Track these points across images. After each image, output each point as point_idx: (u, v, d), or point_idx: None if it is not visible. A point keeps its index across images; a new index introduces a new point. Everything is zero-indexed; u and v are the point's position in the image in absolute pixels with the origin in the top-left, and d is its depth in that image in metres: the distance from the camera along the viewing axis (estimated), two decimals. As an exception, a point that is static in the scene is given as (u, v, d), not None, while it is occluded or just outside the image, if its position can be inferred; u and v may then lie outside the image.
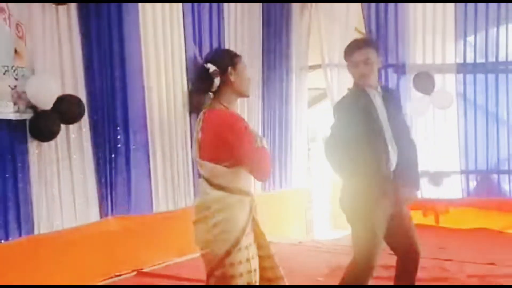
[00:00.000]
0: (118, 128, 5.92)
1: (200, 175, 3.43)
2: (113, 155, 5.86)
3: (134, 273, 5.87)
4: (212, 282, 3.35)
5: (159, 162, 6.40)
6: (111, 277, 5.67)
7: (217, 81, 3.31)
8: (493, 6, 7.52)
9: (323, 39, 8.15)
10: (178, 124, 6.60)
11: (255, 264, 3.34)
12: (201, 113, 3.41)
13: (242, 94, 3.46)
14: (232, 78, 3.35)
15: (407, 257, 4.05)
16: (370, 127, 3.86)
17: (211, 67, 3.32)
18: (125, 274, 5.80)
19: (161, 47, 6.39)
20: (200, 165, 3.39)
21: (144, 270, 5.96)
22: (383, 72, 7.97)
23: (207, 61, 3.40)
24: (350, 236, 4.03)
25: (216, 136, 3.28)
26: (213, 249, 3.30)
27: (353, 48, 3.98)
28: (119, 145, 5.92)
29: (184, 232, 6.49)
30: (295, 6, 8.27)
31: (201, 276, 5.67)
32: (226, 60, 3.39)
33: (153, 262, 6.14)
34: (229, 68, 3.35)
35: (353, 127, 3.85)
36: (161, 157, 6.42)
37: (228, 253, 3.25)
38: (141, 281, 5.69)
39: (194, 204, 3.49)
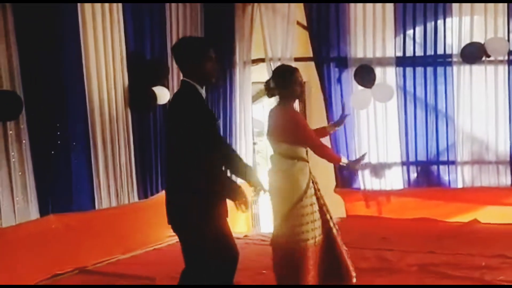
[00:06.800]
0: (58, 124, 5.80)
1: None
2: (52, 152, 5.75)
3: (76, 271, 5.78)
4: None
5: (101, 159, 6.30)
6: (52, 276, 5.58)
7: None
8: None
9: (265, 33, 8.15)
10: (119, 119, 6.52)
11: None
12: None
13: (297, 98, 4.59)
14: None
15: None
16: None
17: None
18: (67, 272, 5.72)
19: (100, 42, 6.27)
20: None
21: (86, 268, 5.87)
22: (325, 66, 8.06)
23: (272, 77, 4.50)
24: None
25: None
26: None
27: (209, 43, 3.84)
28: (58, 142, 5.81)
29: (128, 228, 6.49)
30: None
31: (146, 273, 5.68)
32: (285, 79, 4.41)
33: (96, 259, 6.06)
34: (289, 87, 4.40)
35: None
36: (103, 153, 6.33)
37: None
38: (83, 280, 5.61)
39: None
